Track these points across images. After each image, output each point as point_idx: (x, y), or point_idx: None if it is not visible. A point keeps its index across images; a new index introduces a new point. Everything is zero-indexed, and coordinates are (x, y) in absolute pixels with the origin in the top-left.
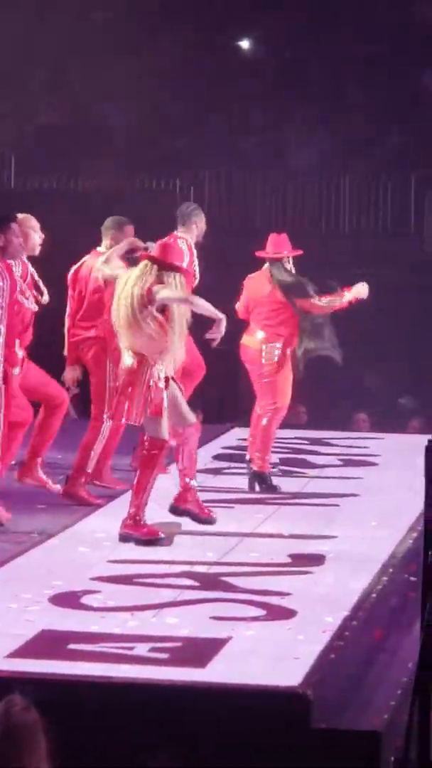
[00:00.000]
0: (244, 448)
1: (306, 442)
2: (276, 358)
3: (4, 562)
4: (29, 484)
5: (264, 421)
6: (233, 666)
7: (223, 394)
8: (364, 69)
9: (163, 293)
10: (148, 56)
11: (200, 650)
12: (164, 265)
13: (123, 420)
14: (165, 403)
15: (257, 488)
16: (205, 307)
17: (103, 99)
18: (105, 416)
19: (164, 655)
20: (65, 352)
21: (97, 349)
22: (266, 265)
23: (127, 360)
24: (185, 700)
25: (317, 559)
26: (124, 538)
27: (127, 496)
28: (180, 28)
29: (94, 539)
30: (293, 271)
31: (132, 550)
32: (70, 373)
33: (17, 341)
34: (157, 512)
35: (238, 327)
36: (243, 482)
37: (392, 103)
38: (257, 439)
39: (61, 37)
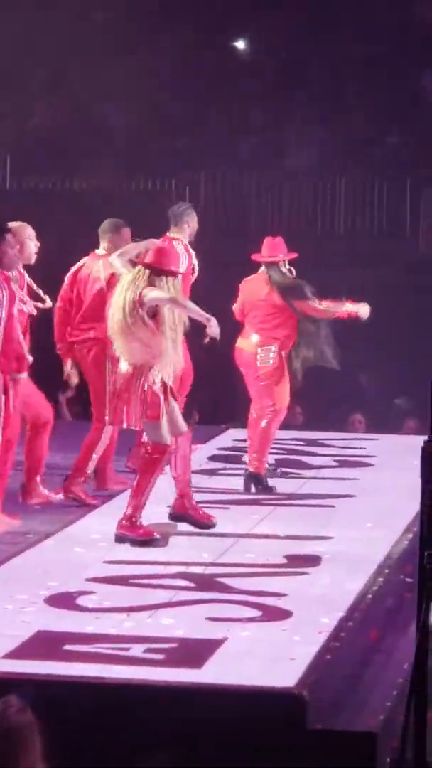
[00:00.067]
0: (239, 449)
1: (302, 443)
2: (271, 361)
3: (0, 562)
4: (35, 504)
5: (263, 424)
6: (229, 667)
7: (218, 395)
8: (361, 70)
9: (151, 294)
10: (144, 56)
11: (196, 651)
12: (157, 270)
13: (123, 425)
14: (163, 407)
15: (252, 489)
16: (193, 310)
17: (100, 99)
18: (107, 419)
19: (160, 656)
20: (58, 350)
21: (96, 351)
22: (262, 268)
23: (124, 365)
24: (181, 701)
25: (313, 560)
26: (119, 539)
27: (123, 497)
28: (178, 28)
29: (89, 540)
30: (292, 272)
31: (127, 551)
32: (70, 370)
33: (25, 346)
34: (152, 513)
35: (233, 327)
36: (238, 483)
37: (389, 104)
38: (255, 441)
39: (57, 37)
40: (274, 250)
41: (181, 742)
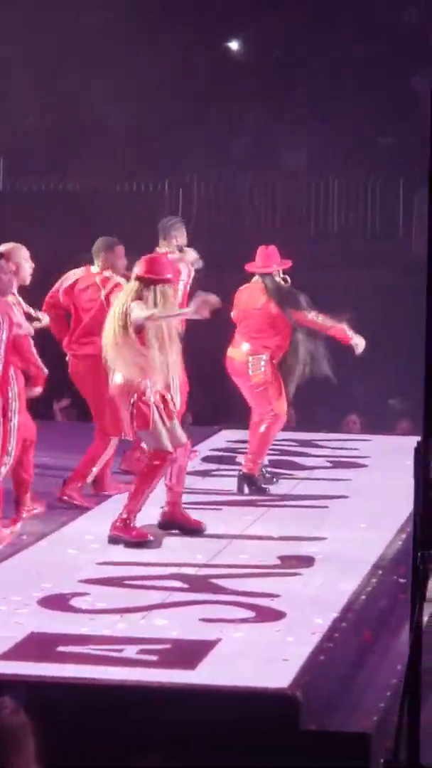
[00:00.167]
0: (232, 450)
1: (295, 443)
2: (263, 368)
3: None
4: (29, 516)
5: (262, 428)
6: (222, 668)
7: (211, 397)
8: (354, 70)
9: (132, 314)
10: (138, 57)
11: (189, 652)
12: (145, 281)
13: (122, 435)
14: (154, 416)
15: (246, 490)
16: (176, 313)
17: (94, 100)
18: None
19: (153, 657)
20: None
21: (97, 366)
22: (256, 277)
23: (117, 376)
24: (174, 702)
25: (306, 561)
26: (113, 541)
27: (116, 499)
28: (173, 29)
29: (83, 541)
30: (287, 281)
31: (121, 553)
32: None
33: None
34: (145, 515)
35: (226, 329)
36: (232, 484)
37: (383, 104)
38: (253, 444)
39: (52, 37)
40: (267, 260)
41: (175, 743)
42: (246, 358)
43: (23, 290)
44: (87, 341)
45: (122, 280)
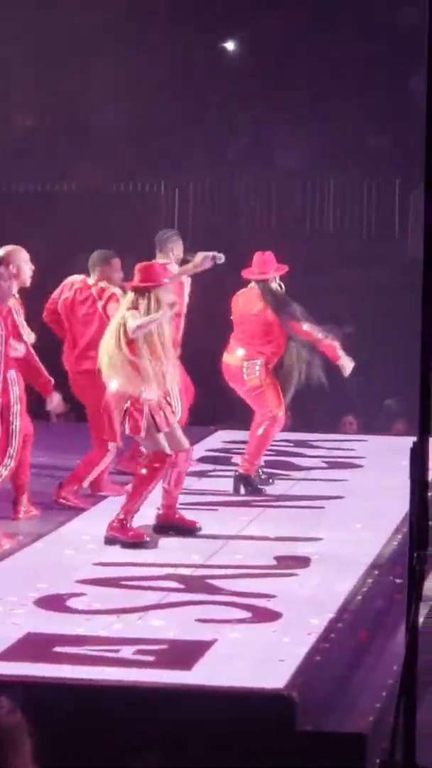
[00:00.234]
0: (228, 451)
1: (291, 444)
2: (258, 372)
3: None
4: (25, 518)
5: (260, 430)
6: (218, 668)
7: (207, 397)
8: (351, 72)
9: (127, 325)
10: (133, 58)
11: (186, 652)
12: (140, 290)
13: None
14: (145, 423)
15: (242, 491)
16: (152, 319)
17: (90, 101)
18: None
19: (150, 658)
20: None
21: (93, 378)
22: (252, 283)
23: (112, 385)
24: (170, 702)
25: (302, 562)
26: (109, 541)
27: (113, 500)
28: (168, 29)
29: (79, 542)
30: (281, 287)
31: (117, 553)
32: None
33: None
34: (142, 515)
35: (223, 330)
36: (228, 484)
37: (379, 106)
38: (251, 444)
39: (48, 38)
40: (264, 266)
41: (171, 744)
42: (241, 363)
43: (23, 292)
44: (85, 357)
45: (118, 291)
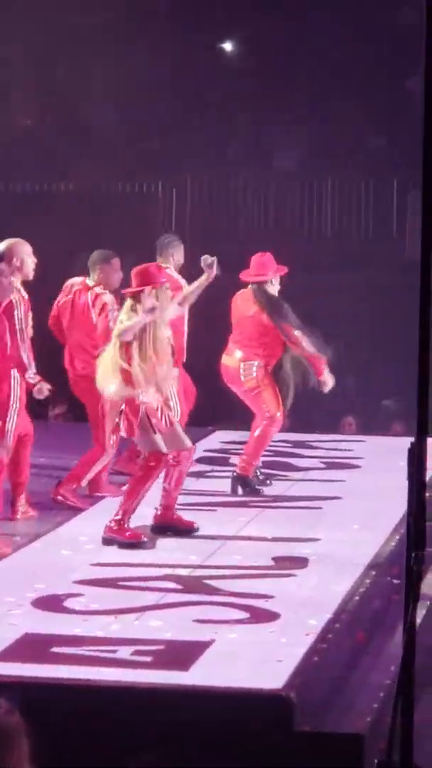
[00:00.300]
0: (226, 451)
1: (289, 445)
2: (255, 373)
3: None
4: (23, 519)
5: (258, 431)
6: (216, 669)
7: (205, 398)
8: (348, 72)
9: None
10: (131, 58)
11: (183, 653)
12: (135, 296)
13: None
14: (141, 424)
15: (240, 491)
16: (133, 323)
17: (87, 101)
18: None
19: (147, 658)
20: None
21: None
22: (250, 285)
23: (110, 388)
24: (168, 703)
25: (300, 562)
26: (107, 542)
27: (111, 501)
28: (166, 29)
29: (77, 542)
30: (278, 288)
31: (115, 554)
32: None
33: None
34: (139, 514)
35: (223, 330)
36: (226, 485)
37: (376, 106)
38: (249, 445)
39: (53, 38)
40: (262, 268)
41: (169, 744)
42: (238, 364)
43: (25, 286)
44: (84, 359)
45: (110, 298)
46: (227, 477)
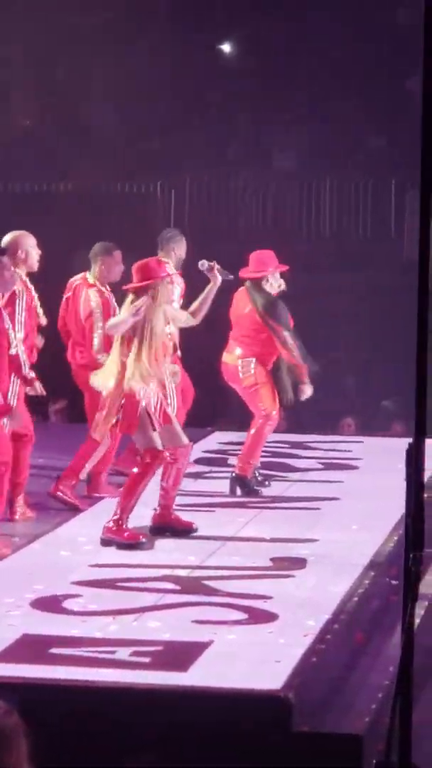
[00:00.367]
0: (224, 452)
1: (287, 445)
2: (252, 370)
3: None
4: (21, 519)
5: (254, 429)
6: (215, 669)
7: (203, 399)
8: (347, 72)
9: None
10: (131, 58)
11: (182, 654)
12: (136, 291)
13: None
14: (141, 421)
15: (238, 492)
16: (123, 320)
17: (87, 101)
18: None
19: (146, 659)
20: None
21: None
22: (246, 283)
23: (110, 382)
24: (167, 703)
25: (299, 563)
26: (105, 542)
27: (109, 502)
28: (165, 30)
29: (75, 543)
30: (279, 286)
31: (114, 554)
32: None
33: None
34: (137, 515)
35: (221, 331)
36: (224, 486)
37: (375, 106)
38: (245, 444)
39: (52, 38)
40: (259, 264)
41: (167, 745)
42: (237, 361)
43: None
44: (82, 351)
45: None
46: (226, 478)
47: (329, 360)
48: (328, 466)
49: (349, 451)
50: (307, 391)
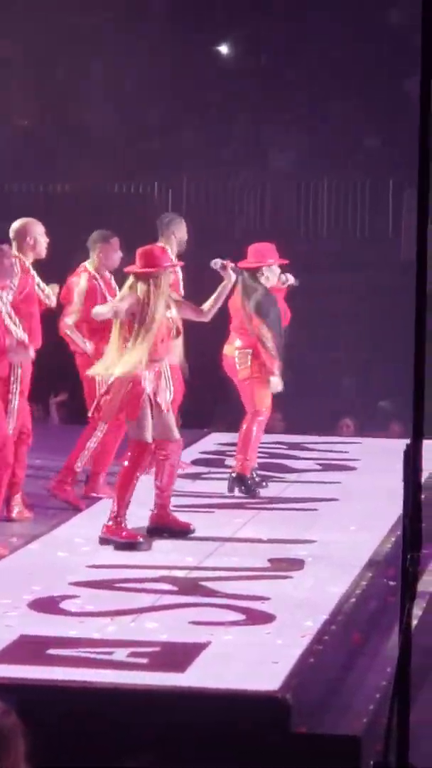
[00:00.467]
0: (222, 453)
1: (285, 446)
2: (249, 362)
3: None
4: (19, 520)
5: (244, 425)
6: (212, 670)
7: (201, 399)
8: (345, 73)
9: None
10: (127, 59)
11: (179, 655)
12: (137, 276)
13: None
14: (144, 409)
15: (236, 491)
16: (106, 311)
17: (83, 102)
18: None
19: (143, 660)
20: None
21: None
22: (243, 272)
23: (116, 370)
24: (164, 704)
25: (296, 564)
26: (104, 541)
27: (107, 502)
28: (162, 31)
29: (73, 544)
30: (285, 282)
31: (111, 555)
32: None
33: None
34: (136, 515)
35: (219, 331)
36: (222, 487)
37: (372, 107)
38: (239, 443)
39: (52, 37)
40: (257, 255)
41: (165, 746)
42: (235, 352)
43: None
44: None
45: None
46: (223, 479)
47: (329, 360)
48: (326, 467)
49: (346, 452)
50: (276, 385)
